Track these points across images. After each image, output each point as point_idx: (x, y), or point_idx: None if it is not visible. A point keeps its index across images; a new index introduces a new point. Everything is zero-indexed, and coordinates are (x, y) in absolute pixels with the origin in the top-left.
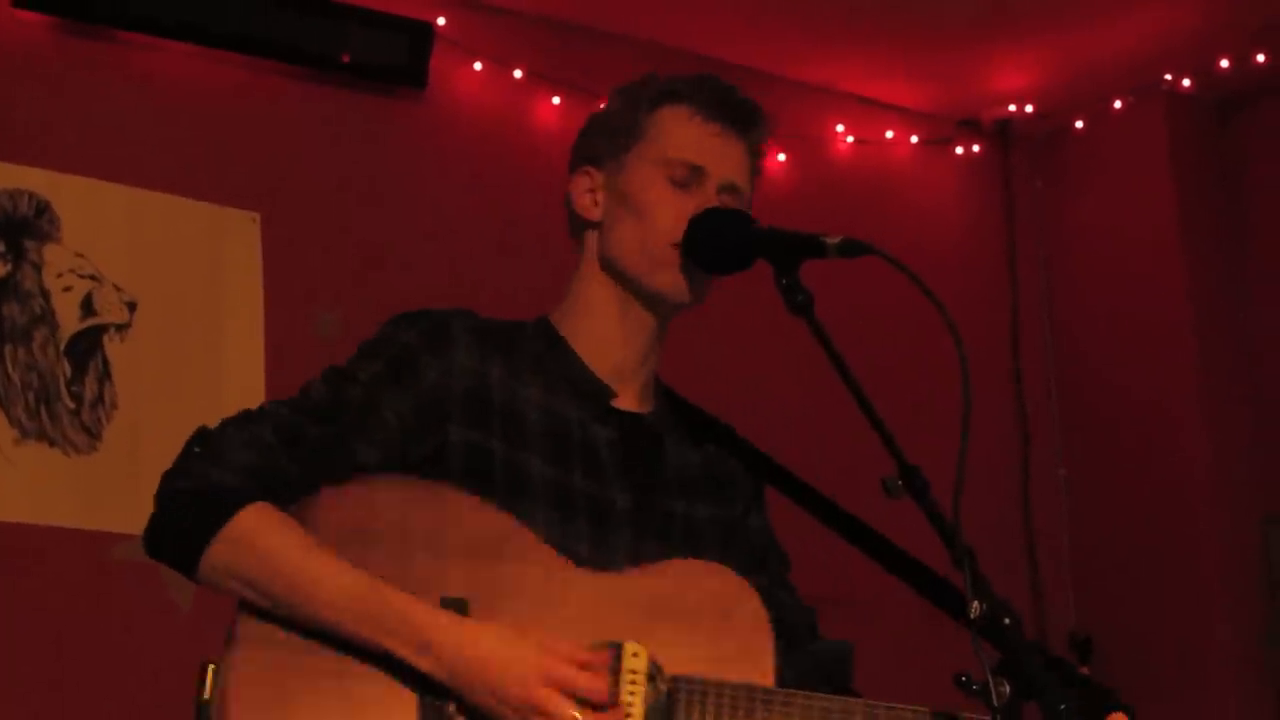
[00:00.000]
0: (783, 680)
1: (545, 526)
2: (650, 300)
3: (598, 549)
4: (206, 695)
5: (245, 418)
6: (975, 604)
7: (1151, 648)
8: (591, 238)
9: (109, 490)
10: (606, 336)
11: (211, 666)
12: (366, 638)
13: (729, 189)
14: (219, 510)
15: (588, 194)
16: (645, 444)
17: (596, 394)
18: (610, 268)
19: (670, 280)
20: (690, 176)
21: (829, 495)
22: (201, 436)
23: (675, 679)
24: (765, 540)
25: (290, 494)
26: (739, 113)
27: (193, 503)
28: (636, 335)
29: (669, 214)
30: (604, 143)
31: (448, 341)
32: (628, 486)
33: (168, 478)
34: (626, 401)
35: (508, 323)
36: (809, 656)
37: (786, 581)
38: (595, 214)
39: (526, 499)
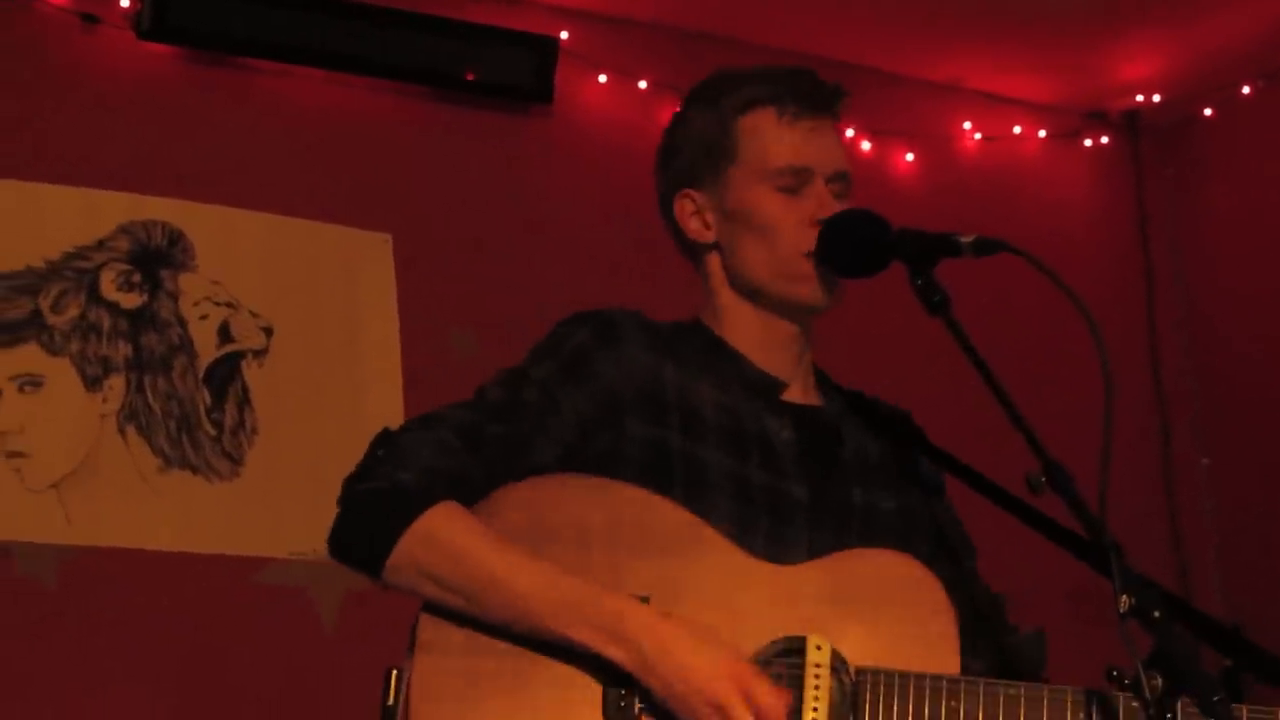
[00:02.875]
0: (970, 670)
1: (726, 519)
2: (790, 310)
3: (775, 542)
4: (391, 700)
5: (425, 421)
6: (1124, 598)
7: None
8: (712, 260)
9: (253, 515)
10: (759, 342)
11: (395, 672)
12: (556, 630)
13: (837, 178)
14: (406, 508)
15: (694, 217)
16: (821, 435)
17: (768, 388)
18: (742, 287)
19: (809, 290)
20: (798, 181)
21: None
22: (384, 440)
23: (859, 671)
24: (952, 529)
25: (473, 494)
26: (820, 99)
27: (379, 502)
28: (785, 341)
29: (790, 225)
30: (698, 163)
31: (619, 339)
32: (804, 478)
33: (352, 480)
34: (796, 395)
35: (671, 323)
36: (999, 646)
37: (974, 571)
38: (709, 236)
39: (707, 492)
